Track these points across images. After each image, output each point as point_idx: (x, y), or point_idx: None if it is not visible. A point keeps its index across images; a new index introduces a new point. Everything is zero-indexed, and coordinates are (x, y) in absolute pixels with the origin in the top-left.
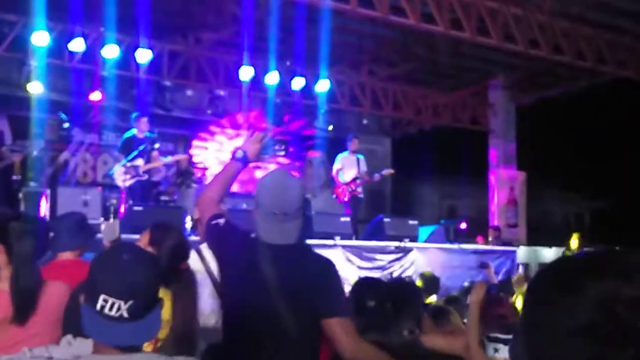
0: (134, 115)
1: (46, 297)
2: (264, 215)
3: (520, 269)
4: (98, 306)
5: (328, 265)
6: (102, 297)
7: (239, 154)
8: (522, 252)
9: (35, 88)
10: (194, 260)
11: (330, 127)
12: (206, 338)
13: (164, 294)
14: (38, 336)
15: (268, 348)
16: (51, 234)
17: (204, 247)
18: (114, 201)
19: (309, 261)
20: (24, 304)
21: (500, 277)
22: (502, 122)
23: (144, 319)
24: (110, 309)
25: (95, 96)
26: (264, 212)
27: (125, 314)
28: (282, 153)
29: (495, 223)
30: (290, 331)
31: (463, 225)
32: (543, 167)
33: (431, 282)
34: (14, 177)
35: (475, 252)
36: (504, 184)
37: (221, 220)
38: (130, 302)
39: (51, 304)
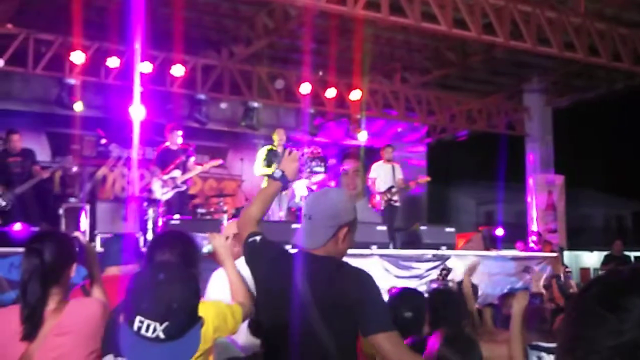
0: (167, 127)
1: (74, 315)
2: (302, 218)
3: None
4: (135, 327)
5: (366, 278)
6: (138, 318)
7: (277, 173)
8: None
9: (79, 106)
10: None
11: (364, 136)
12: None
13: None
14: (68, 356)
15: None
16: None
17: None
18: (152, 215)
19: (346, 275)
20: (31, 319)
21: (541, 282)
22: (538, 126)
23: (181, 339)
24: (147, 330)
25: (137, 112)
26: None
27: (162, 335)
28: (322, 170)
29: (535, 228)
30: (327, 346)
31: (500, 232)
32: (582, 170)
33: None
34: (55, 194)
35: (514, 258)
36: (542, 189)
37: (257, 238)
38: (166, 323)
39: (79, 322)
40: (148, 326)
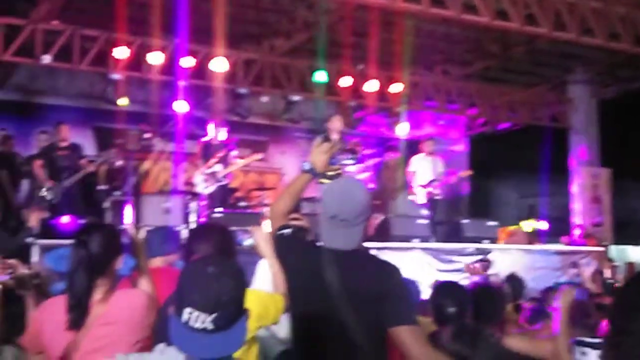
0: (210, 122)
1: (119, 306)
2: (325, 220)
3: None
4: (184, 318)
5: (394, 271)
6: (187, 309)
7: (307, 165)
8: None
9: (124, 101)
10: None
11: (405, 129)
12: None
13: None
14: (113, 345)
15: (335, 357)
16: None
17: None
18: (195, 208)
19: (374, 268)
20: (77, 309)
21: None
22: (583, 117)
23: (228, 330)
24: (195, 321)
25: (180, 106)
26: (324, 216)
27: (210, 326)
28: (352, 162)
29: (579, 222)
30: (357, 339)
31: (544, 225)
32: (629, 162)
33: (517, 285)
34: (100, 187)
35: (559, 252)
36: (587, 182)
37: (287, 231)
38: (214, 315)
39: (124, 313)
40: (197, 317)
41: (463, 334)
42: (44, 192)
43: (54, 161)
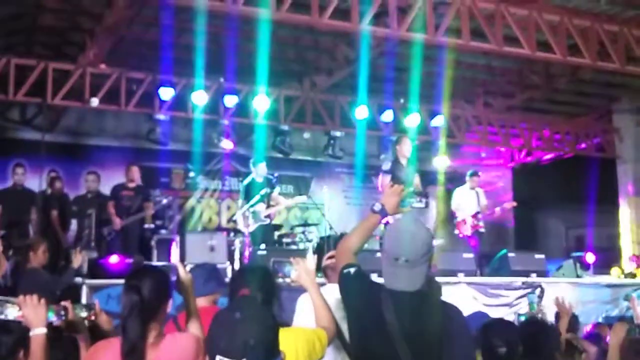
0: (252, 160)
1: (169, 350)
2: (387, 260)
3: None
4: None
5: (456, 314)
6: (218, 357)
7: (378, 206)
8: None
9: (169, 141)
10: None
11: (447, 162)
12: None
13: None
14: None
15: None
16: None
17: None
18: (239, 245)
19: (436, 310)
20: (132, 355)
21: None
22: (630, 147)
23: None
24: None
25: (226, 145)
26: (387, 257)
27: None
28: (422, 206)
29: (631, 253)
30: None
31: (591, 258)
32: None
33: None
34: (146, 226)
35: (609, 285)
36: (637, 212)
37: (352, 270)
38: None
39: (175, 357)
40: None
41: None
42: (104, 231)
43: (119, 200)
